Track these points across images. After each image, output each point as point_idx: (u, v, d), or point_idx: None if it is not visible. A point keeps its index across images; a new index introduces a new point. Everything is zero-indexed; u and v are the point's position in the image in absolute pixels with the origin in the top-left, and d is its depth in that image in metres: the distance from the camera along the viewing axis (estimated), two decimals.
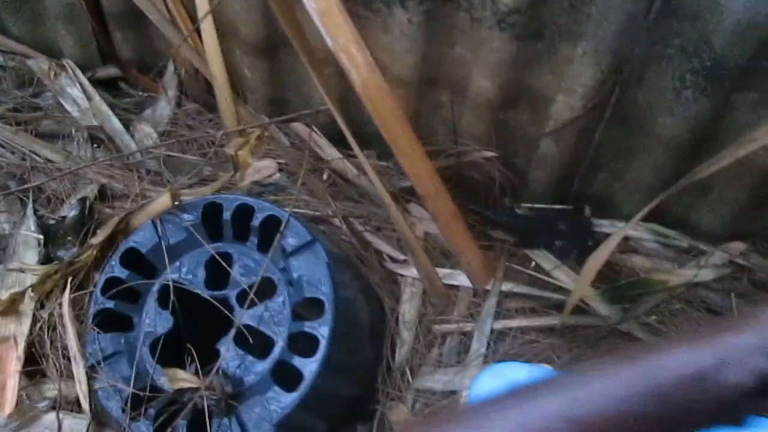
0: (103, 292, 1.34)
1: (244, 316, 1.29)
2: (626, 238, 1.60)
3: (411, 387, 1.46)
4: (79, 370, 1.36)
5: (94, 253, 1.50)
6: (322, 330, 1.25)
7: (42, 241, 1.60)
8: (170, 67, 1.88)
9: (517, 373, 0.92)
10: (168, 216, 1.40)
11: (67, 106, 1.85)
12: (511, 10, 1.28)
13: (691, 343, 0.46)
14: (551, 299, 1.54)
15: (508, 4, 1.27)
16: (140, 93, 1.93)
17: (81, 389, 1.34)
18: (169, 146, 1.78)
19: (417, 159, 1.32)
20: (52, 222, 1.64)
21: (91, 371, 1.30)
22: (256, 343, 1.26)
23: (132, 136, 1.82)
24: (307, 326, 1.27)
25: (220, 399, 1.20)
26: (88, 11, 1.77)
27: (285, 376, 1.23)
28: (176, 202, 1.43)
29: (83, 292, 1.48)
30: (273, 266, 1.33)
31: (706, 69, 1.23)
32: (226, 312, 1.29)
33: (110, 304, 1.34)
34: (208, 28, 1.61)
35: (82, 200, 1.65)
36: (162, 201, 1.45)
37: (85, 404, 1.34)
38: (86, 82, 1.87)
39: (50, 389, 1.41)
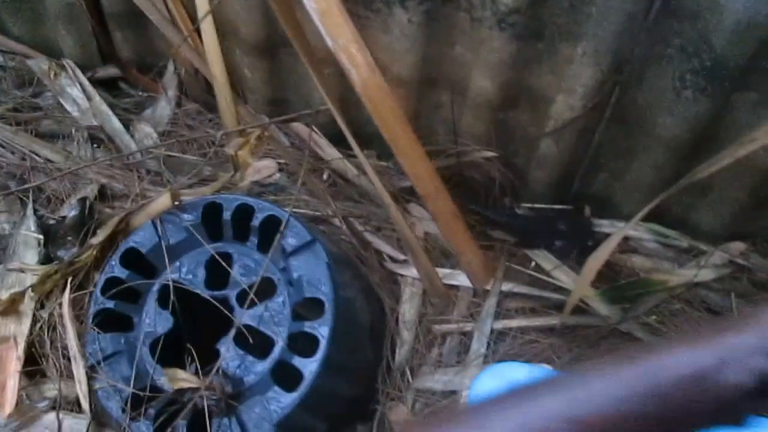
0: (103, 292, 1.35)
1: (244, 316, 1.29)
2: (626, 238, 1.60)
3: (411, 387, 1.46)
4: (79, 370, 1.36)
5: (94, 253, 1.50)
6: (322, 330, 1.25)
7: (42, 241, 1.59)
8: (170, 67, 1.88)
9: (517, 373, 0.92)
10: (168, 216, 1.40)
11: (67, 106, 1.85)
12: (511, 10, 1.28)
13: (691, 343, 0.46)
14: (551, 299, 1.54)
15: (508, 4, 1.27)
16: (140, 93, 1.93)
17: (81, 389, 1.34)
18: (169, 146, 1.78)
19: (417, 159, 1.32)
20: (52, 222, 1.64)
21: (91, 371, 1.30)
22: (256, 343, 1.26)
23: (132, 136, 1.82)
24: (307, 326, 1.27)
25: (220, 399, 1.20)
26: (88, 11, 1.77)
27: (285, 376, 1.23)
28: (176, 202, 1.43)
29: (83, 292, 1.48)
30: (273, 266, 1.33)
31: (706, 69, 1.23)
32: (226, 312, 1.29)
33: (110, 304, 1.34)
34: (208, 28, 1.61)
35: (82, 200, 1.65)
36: (162, 201, 1.45)
37: (85, 404, 1.34)
38: (86, 82, 1.87)
39: (50, 389, 1.41)
